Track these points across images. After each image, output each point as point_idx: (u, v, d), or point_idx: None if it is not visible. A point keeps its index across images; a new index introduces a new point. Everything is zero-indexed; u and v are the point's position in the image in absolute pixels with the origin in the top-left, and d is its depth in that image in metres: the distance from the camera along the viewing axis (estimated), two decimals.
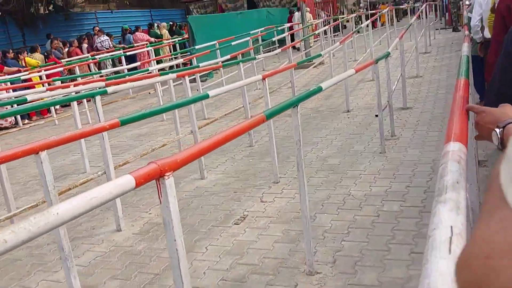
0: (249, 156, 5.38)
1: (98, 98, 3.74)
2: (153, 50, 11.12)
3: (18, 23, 14.57)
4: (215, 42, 10.21)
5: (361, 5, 26.23)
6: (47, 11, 15.77)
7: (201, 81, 10.78)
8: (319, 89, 2.89)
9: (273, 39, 10.48)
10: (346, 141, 5.44)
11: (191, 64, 11.68)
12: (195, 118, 4.54)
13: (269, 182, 4.39)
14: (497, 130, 1.13)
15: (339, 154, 5.00)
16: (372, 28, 18.14)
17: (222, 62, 7.05)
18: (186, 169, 5.23)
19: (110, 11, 16.83)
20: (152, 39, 14.68)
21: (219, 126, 7.07)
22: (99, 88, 4.17)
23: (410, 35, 11.84)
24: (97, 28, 14.44)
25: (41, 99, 5.31)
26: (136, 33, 14.89)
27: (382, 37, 12.00)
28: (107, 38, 14.14)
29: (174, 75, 4.85)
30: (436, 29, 15.66)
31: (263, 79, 4.00)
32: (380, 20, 19.39)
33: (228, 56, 8.15)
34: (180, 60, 9.09)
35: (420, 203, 3.53)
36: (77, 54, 12.50)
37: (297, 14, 16.52)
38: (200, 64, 8.06)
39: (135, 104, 10.22)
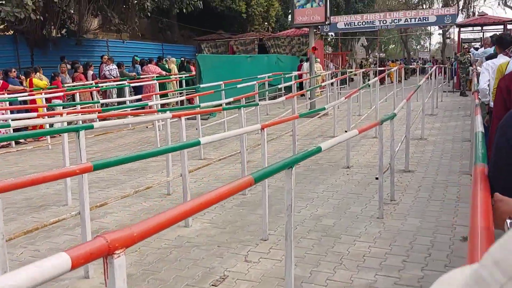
0: (240, 206, 5.11)
1: (82, 133, 3.52)
2: (157, 84, 11.02)
3: (28, 43, 14.65)
4: (221, 82, 10.13)
5: (370, 60, 26.57)
6: (59, 35, 15.93)
7: (203, 119, 10.69)
8: (318, 150, 2.67)
9: (279, 86, 10.38)
10: (343, 200, 5.17)
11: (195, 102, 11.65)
12: (187, 160, 4.31)
13: (257, 239, 4.09)
14: (508, 221, 1.20)
15: (334, 214, 4.72)
16: (380, 84, 18.24)
17: (225, 104, 6.88)
18: None
19: (122, 40, 16.95)
20: (164, 73, 14.74)
21: (214, 169, 6.82)
22: (88, 121, 3.95)
23: (417, 96, 11.79)
24: (106, 57, 14.52)
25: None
26: (149, 65, 14.98)
27: (389, 94, 11.93)
28: (115, 67, 14.18)
29: (170, 114, 4.64)
30: (444, 92, 15.68)
31: (262, 129, 3.79)
32: (388, 76, 19.60)
33: (231, 99, 8.02)
34: (183, 97, 8.91)
35: (417, 282, 3.22)
36: (81, 80, 12.46)
37: (306, 64, 16.69)
38: (202, 104, 7.92)
39: (132, 135, 10.03)
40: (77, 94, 9.51)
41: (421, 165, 6.72)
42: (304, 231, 4.23)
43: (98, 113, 6.04)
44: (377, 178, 4.52)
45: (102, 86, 10.93)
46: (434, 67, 11.74)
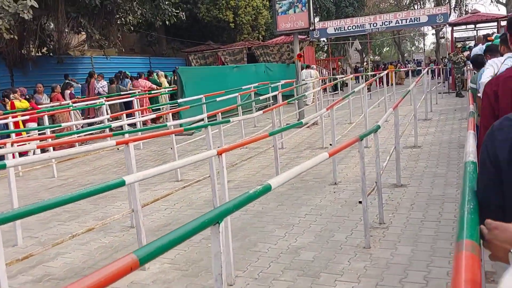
0: (210, 239, 4.52)
1: (11, 171, 2.95)
2: (122, 103, 10.50)
3: (7, 64, 14.15)
4: (201, 96, 9.58)
5: (365, 64, 26.06)
6: (40, 53, 15.45)
7: (188, 134, 10.15)
8: (266, 189, 2.09)
9: (261, 97, 9.73)
10: (326, 226, 4.59)
11: (179, 117, 11.09)
12: (138, 193, 3.74)
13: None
14: None
15: (315, 244, 4.14)
16: (378, 86, 17.71)
17: (187, 125, 6.29)
18: (130, 249, 4.38)
19: (105, 57, 16.46)
20: (155, 87, 14.45)
21: (189, 192, 6.24)
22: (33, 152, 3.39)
23: (411, 98, 11.26)
24: (93, 73, 14.24)
25: None
26: (139, 79, 14.80)
27: (381, 99, 11.40)
28: (106, 83, 13.99)
29: (113, 142, 4.05)
30: (439, 93, 15.14)
31: (219, 154, 3.22)
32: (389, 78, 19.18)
33: (217, 112, 7.46)
34: (153, 115, 8.31)
35: None
36: (58, 100, 11.94)
37: (305, 71, 16.55)
38: (181, 121, 7.37)
39: (111, 157, 9.46)
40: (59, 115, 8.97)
41: (414, 177, 6.15)
42: (278, 270, 3.65)
43: (52, 139, 5.49)
44: (360, 202, 3.95)
45: (72, 108, 10.38)
46: (426, 69, 11.19)
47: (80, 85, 14.79)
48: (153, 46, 26.68)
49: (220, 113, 6.87)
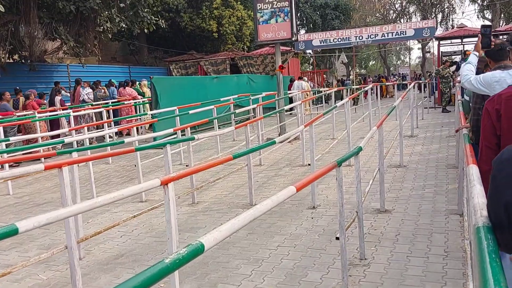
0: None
1: None
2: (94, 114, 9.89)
3: None
4: (175, 108, 8.98)
5: (351, 77, 25.70)
6: (11, 60, 14.74)
7: (160, 148, 9.54)
8: (199, 250, 1.50)
9: (236, 111, 9.09)
10: (300, 261, 4.01)
11: (153, 129, 10.46)
12: (74, 227, 3.12)
13: None
14: None
15: (285, 286, 3.56)
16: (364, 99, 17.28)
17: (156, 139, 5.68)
18: None
19: (81, 65, 15.80)
20: (139, 97, 14.11)
21: (153, 215, 5.60)
22: None
23: (396, 113, 10.82)
24: (79, 80, 13.81)
25: None
26: (126, 88, 14.46)
27: (365, 114, 10.93)
28: (91, 90, 13.73)
29: (41, 166, 3.37)
30: (425, 108, 14.77)
31: (163, 184, 2.64)
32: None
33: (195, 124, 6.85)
34: (112, 130, 7.65)
35: None
36: (33, 108, 11.25)
37: (296, 83, 16.34)
38: (144, 136, 6.75)
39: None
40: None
41: (400, 201, 5.62)
42: None
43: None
44: (337, 238, 3.38)
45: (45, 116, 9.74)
46: (412, 84, 10.77)
47: (68, 94, 14.23)
48: (136, 55, 26.08)
49: (188, 128, 6.25)
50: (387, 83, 23.90)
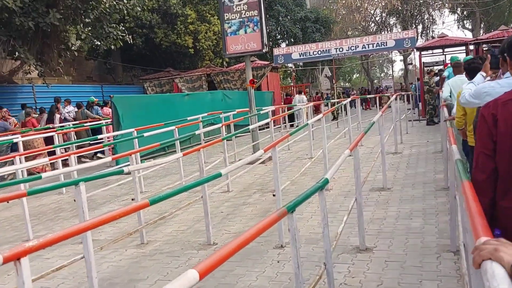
0: None
1: None
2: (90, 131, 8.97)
3: None
4: (132, 130, 8.07)
5: (330, 91, 25.06)
6: None
7: (127, 174, 8.61)
8: None
9: (199, 130, 8.09)
10: None
11: (115, 152, 9.55)
12: None
13: None
14: None
15: None
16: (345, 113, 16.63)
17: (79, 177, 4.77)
18: None
19: (46, 85, 14.82)
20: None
21: (100, 255, 4.65)
22: None
23: (378, 128, 10.05)
24: (58, 98, 13.63)
25: None
26: (104, 107, 14.15)
27: (345, 130, 10.15)
28: (73, 108, 13.59)
29: None
30: (409, 121, 14.08)
31: (11, 261, 1.74)
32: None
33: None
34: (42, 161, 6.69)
35: None
36: (33, 126, 11.44)
37: (297, 97, 16.37)
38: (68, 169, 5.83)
39: (18, 207, 7.77)
40: None
41: (383, 235, 4.77)
42: None
43: None
44: None
45: None
46: (394, 96, 10.03)
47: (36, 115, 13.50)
48: (112, 74, 25.18)
49: (138, 154, 5.35)
50: (368, 96, 23.35)
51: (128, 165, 5.63)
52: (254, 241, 4.88)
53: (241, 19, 9.25)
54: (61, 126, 12.38)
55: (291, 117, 17.89)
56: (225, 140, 7.66)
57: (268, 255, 4.53)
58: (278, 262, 4.34)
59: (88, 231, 2.98)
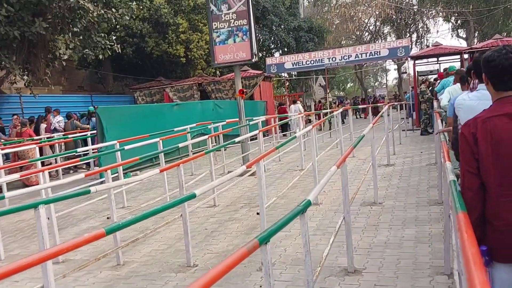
0: None
1: None
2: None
3: None
4: (115, 142, 7.77)
5: (322, 100, 24.86)
6: None
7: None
8: None
9: (186, 142, 7.68)
10: None
11: (99, 164, 9.24)
12: None
13: None
14: None
15: None
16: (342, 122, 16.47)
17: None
18: None
19: (33, 95, 14.52)
20: None
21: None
22: None
23: (371, 138, 9.78)
24: (49, 108, 13.46)
25: None
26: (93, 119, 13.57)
27: (337, 141, 9.90)
28: (62, 118, 13.39)
29: None
30: (403, 130, 13.86)
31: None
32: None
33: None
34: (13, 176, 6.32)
35: None
36: (30, 136, 11.33)
37: (293, 107, 16.39)
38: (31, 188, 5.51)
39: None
40: None
41: (373, 256, 4.49)
42: None
43: None
44: None
45: None
46: (386, 107, 9.79)
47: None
48: (103, 83, 24.91)
49: (121, 168, 5.06)
50: (360, 106, 23.19)
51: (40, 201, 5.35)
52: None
53: (230, 28, 9.02)
54: (48, 137, 12.17)
55: (285, 127, 17.75)
56: (212, 152, 7.38)
57: (250, 279, 4.23)
58: (260, 287, 4.05)
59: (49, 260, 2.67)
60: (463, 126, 2.18)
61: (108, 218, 6.66)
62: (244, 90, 9.81)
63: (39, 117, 13.14)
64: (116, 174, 7.24)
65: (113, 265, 4.96)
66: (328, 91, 25.47)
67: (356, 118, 28.40)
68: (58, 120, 13.26)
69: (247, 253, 1.96)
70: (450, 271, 3.84)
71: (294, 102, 18.49)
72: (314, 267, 3.85)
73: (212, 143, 10.50)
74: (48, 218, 5.46)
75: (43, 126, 12.77)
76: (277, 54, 29.33)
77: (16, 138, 11.42)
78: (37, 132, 12.71)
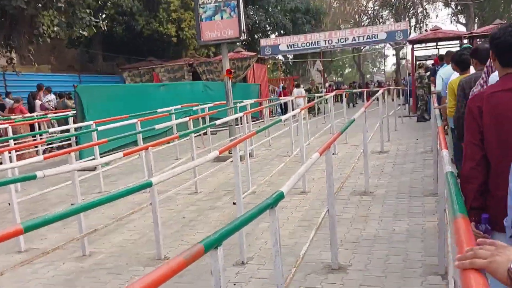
0: None
1: None
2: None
3: None
4: (91, 122, 7.30)
5: (317, 83, 24.30)
6: None
7: (90, 170, 7.90)
8: None
9: (155, 127, 7.10)
10: None
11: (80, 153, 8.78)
12: None
13: None
14: None
15: None
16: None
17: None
18: None
19: (15, 73, 13.95)
20: None
21: (26, 273, 3.92)
22: None
23: (363, 124, 9.35)
24: (41, 86, 13.26)
25: None
26: None
27: (326, 128, 9.48)
28: (54, 97, 13.24)
29: None
30: (399, 117, 13.43)
31: None
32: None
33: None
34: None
35: None
36: (22, 112, 11.24)
37: (296, 90, 16.56)
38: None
39: None
40: None
41: (360, 251, 4.09)
42: None
43: None
44: None
45: None
46: (381, 90, 9.34)
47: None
48: (94, 62, 24.26)
49: (97, 148, 4.61)
50: (354, 90, 22.66)
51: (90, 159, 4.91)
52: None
53: (217, 4, 8.49)
54: (42, 115, 11.78)
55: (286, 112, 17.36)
56: (195, 136, 6.94)
57: (226, 275, 3.83)
58: (234, 284, 3.66)
59: None
60: (470, 99, 2.23)
61: (72, 204, 6.23)
62: (232, 71, 9.29)
63: (30, 94, 12.93)
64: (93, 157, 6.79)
65: (78, 255, 4.55)
66: (323, 76, 24.91)
67: (353, 106, 24.29)
68: (48, 99, 13.01)
69: (184, 263, 1.53)
70: (444, 270, 3.46)
71: (297, 86, 18.25)
72: (293, 262, 3.46)
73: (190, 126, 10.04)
74: (9, 204, 5.04)
75: (38, 102, 12.51)
76: (272, 36, 28.68)
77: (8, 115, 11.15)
78: (31, 109, 12.44)
